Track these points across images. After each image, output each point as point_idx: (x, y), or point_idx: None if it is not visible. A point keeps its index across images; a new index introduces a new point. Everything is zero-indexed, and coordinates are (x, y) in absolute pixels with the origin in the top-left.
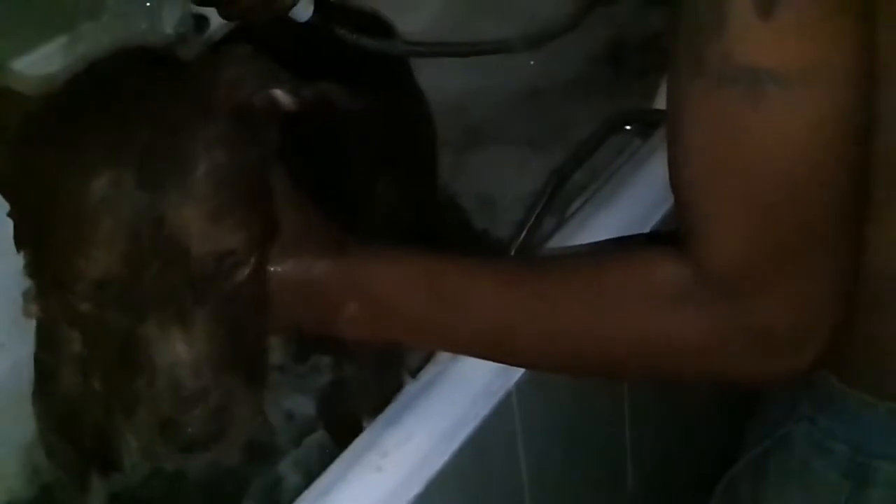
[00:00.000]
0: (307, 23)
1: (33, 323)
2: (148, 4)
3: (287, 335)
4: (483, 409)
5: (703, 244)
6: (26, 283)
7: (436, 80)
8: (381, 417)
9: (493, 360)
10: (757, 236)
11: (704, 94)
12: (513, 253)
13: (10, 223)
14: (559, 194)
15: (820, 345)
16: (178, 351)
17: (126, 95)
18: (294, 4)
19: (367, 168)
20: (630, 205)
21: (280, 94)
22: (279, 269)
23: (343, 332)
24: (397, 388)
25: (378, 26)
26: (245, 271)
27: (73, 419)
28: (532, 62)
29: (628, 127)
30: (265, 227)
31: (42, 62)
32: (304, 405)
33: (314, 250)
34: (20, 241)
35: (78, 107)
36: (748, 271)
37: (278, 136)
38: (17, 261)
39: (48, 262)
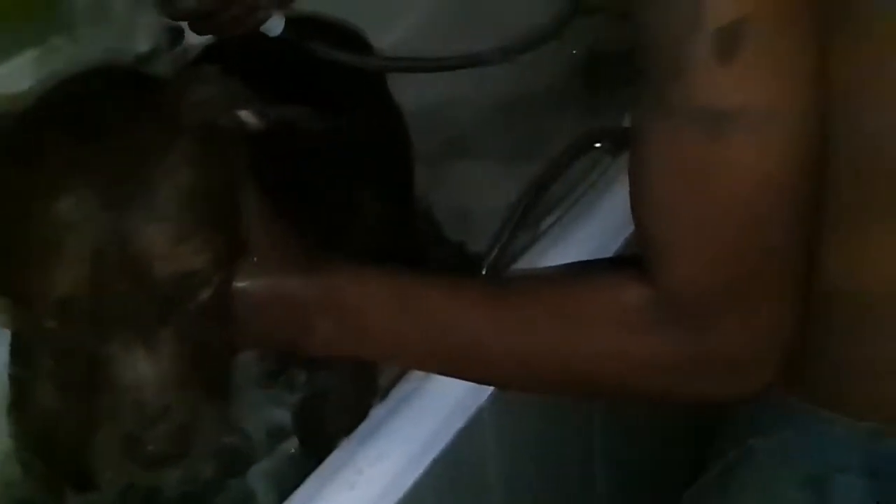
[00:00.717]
0: (282, 37)
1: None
2: (121, 17)
3: (258, 351)
4: (455, 426)
5: (665, 270)
6: None
7: (412, 90)
8: (355, 434)
9: (463, 379)
10: (716, 265)
11: (665, 131)
12: (486, 268)
13: None
14: (533, 210)
15: (775, 366)
16: (142, 369)
17: (93, 116)
18: (266, 20)
19: (343, 182)
20: (601, 221)
21: (247, 115)
22: (250, 285)
23: (312, 349)
24: (370, 403)
25: (353, 41)
26: (209, 291)
27: (48, 434)
28: (508, 74)
29: (598, 145)
30: (231, 247)
31: (14, 74)
32: (279, 419)
33: (285, 267)
34: None
35: (45, 127)
36: (707, 298)
37: (246, 155)
38: None
39: (13, 280)
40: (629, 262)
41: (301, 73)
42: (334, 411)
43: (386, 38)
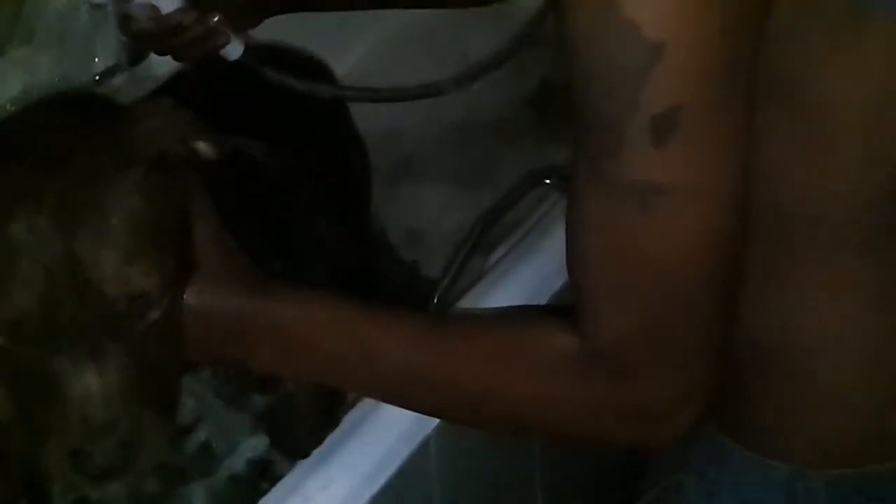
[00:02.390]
0: (239, 62)
1: None
2: (83, 34)
3: (206, 367)
4: (402, 454)
5: (591, 322)
6: None
7: (366, 111)
8: (303, 462)
9: (399, 406)
10: (639, 323)
11: (597, 199)
12: (437, 297)
13: None
14: (483, 242)
15: (691, 418)
16: (90, 385)
17: (48, 143)
18: (225, 44)
19: (300, 204)
20: (548, 257)
21: (200, 146)
22: (197, 302)
23: (257, 367)
24: (338, 410)
25: (315, 68)
26: (157, 311)
27: (1, 443)
28: (462, 100)
29: (548, 181)
30: (179, 269)
31: None
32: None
33: (232, 286)
34: None
35: (2, 154)
36: (628, 351)
37: (199, 179)
38: None
39: None
40: (561, 311)
41: (265, 98)
42: (301, 418)
43: (342, 64)
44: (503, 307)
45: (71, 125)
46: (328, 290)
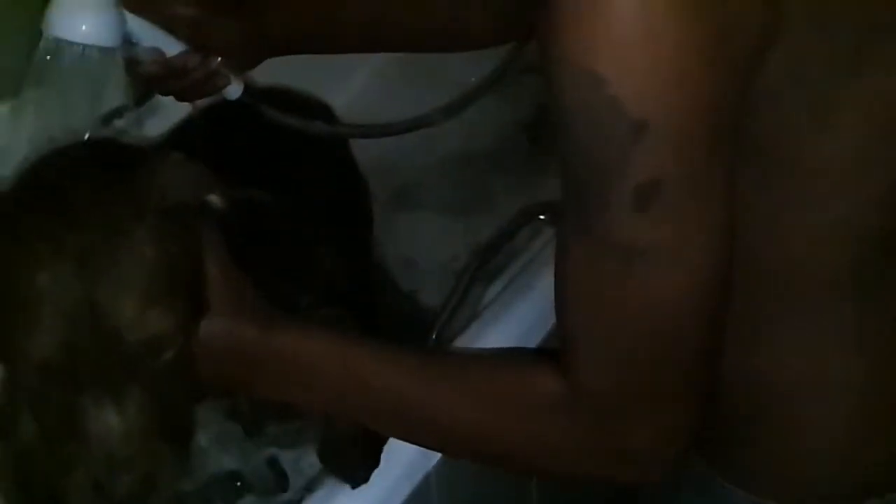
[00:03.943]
0: (239, 101)
1: None
2: (93, 74)
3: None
4: (404, 491)
5: (578, 367)
6: None
7: (363, 142)
8: (308, 499)
9: (395, 437)
10: (622, 370)
11: (584, 253)
12: (435, 334)
13: None
14: (479, 276)
15: (675, 458)
16: (110, 422)
17: (69, 195)
18: (226, 86)
19: (306, 239)
20: (543, 293)
21: (210, 197)
22: (206, 333)
23: (263, 395)
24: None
25: (318, 109)
26: (172, 351)
27: (27, 468)
28: (456, 129)
29: (542, 217)
30: (193, 310)
31: None
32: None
33: (240, 318)
34: None
35: (26, 206)
36: (612, 397)
37: (208, 225)
38: None
39: None
40: (550, 354)
41: (270, 138)
42: (351, 446)
43: (338, 99)
44: (496, 348)
45: (90, 176)
46: (328, 324)
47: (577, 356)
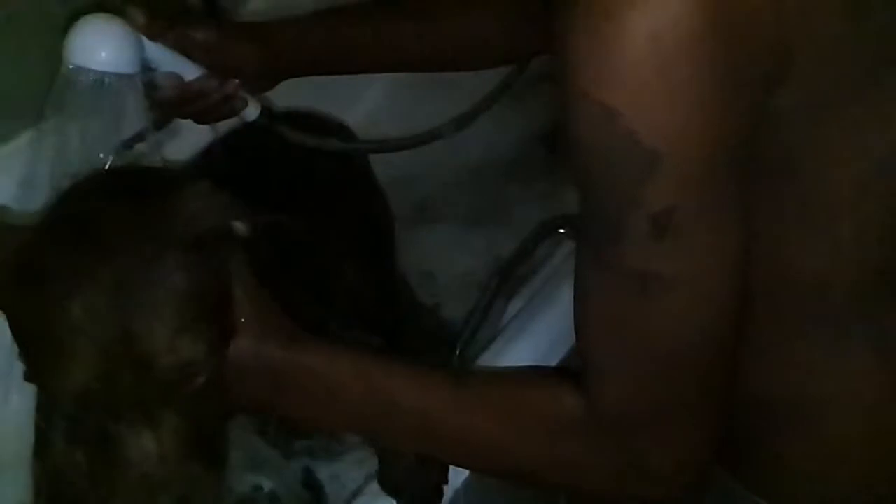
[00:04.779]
0: (256, 122)
1: None
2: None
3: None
4: None
5: (597, 387)
6: None
7: (380, 156)
8: None
9: (420, 454)
10: (641, 392)
11: (601, 280)
12: (458, 351)
13: None
14: (501, 291)
15: (693, 477)
16: (147, 446)
17: (101, 227)
18: (243, 108)
19: (331, 257)
20: (565, 308)
21: (236, 225)
22: (238, 357)
23: (290, 414)
24: None
25: (334, 128)
26: (205, 375)
27: (62, 488)
28: (473, 141)
29: (562, 230)
30: (223, 334)
31: (13, 155)
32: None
33: (266, 337)
34: (19, 351)
35: (57, 240)
36: (631, 418)
37: (235, 249)
38: None
39: (36, 374)
40: (570, 374)
41: (293, 159)
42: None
43: (353, 116)
44: (518, 367)
45: (118, 207)
46: (353, 343)
47: (597, 378)
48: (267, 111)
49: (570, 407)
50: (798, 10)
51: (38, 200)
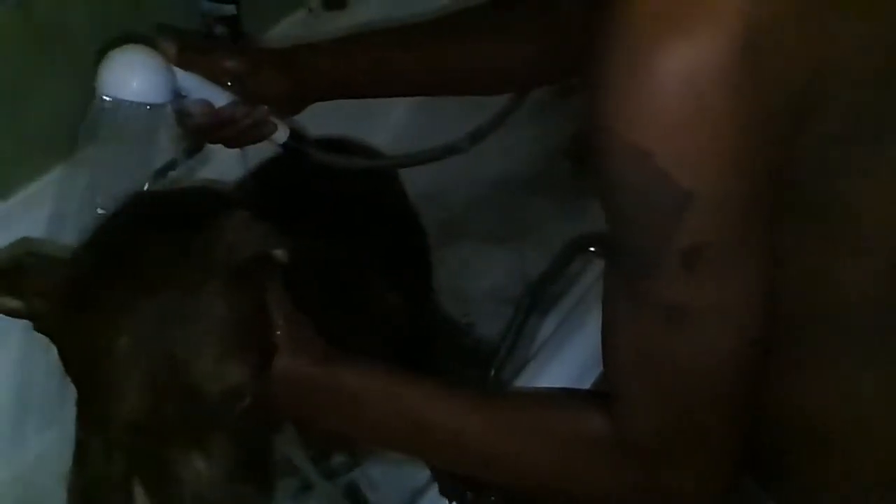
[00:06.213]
0: (285, 144)
1: None
2: (142, 129)
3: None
4: None
5: (623, 413)
6: None
7: (408, 176)
8: None
9: (447, 469)
10: (666, 418)
11: (630, 312)
12: (494, 369)
13: None
14: (534, 309)
15: (713, 500)
16: (198, 468)
17: (143, 262)
18: (273, 132)
19: (366, 278)
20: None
21: (275, 253)
22: (276, 376)
23: (325, 428)
24: None
25: (361, 151)
26: (249, 397)
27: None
28: (496, 157)
29: (592, 249)
30: (263, 357)
31: (45, 190)
32: None
33: (300, 354)
34: (70, 378)
35: (98, 273)
36: (656, 442)
37: (273, 274)
38: None
39: (86, 407)
40: (600, 397)
41: (329, 186)
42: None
43: (378, 137)
44: (548, 388)
45: (161, 238)
46: (384, 361)
47: (623, 404)
48: (296, 134)
49: (597, 428)
50: (829, 45)
51: (70, 233)
